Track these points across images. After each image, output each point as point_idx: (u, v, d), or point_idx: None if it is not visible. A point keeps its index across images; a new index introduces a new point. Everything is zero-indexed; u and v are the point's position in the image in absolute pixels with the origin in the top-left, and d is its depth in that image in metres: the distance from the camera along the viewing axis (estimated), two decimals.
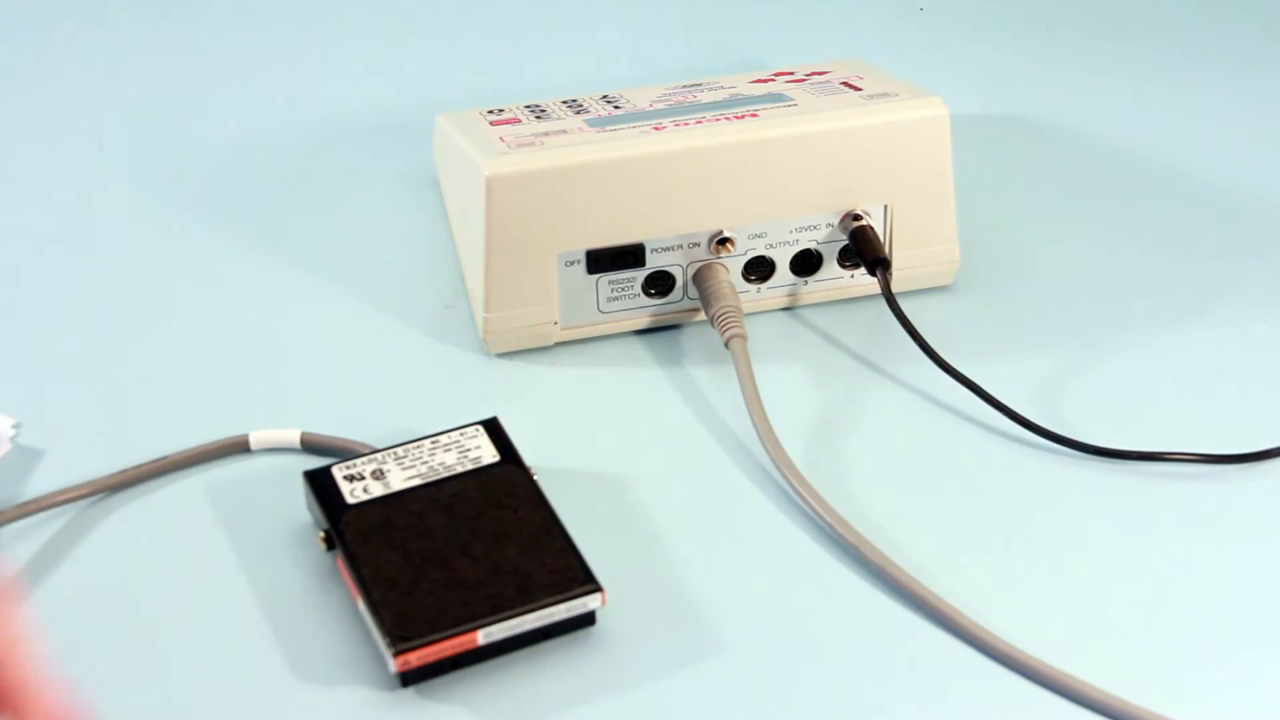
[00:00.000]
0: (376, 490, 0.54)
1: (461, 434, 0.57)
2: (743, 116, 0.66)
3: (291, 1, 1.06)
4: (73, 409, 0.63)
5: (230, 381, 0.65)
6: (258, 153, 0.85)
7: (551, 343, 0.67)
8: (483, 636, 0.49)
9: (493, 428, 0.57)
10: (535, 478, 0.55)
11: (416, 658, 0.48)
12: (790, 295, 0.69)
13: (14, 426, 0.60)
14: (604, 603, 0.50)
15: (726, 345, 0.64)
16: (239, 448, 0.60)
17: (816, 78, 0.73)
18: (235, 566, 0.55)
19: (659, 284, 0.67)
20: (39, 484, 0.58)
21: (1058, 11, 1.03)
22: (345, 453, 0.59)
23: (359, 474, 0.55)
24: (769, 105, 0.68)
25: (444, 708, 0.49)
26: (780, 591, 0.53)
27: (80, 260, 0.73)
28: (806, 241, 0.67)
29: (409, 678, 0.49)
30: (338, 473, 0.55)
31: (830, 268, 0.69)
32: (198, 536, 0.56)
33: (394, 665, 0.48)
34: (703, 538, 0.56)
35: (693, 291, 0.67)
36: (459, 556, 0.51)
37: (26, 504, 0.56)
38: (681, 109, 0.69)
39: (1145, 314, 0.69)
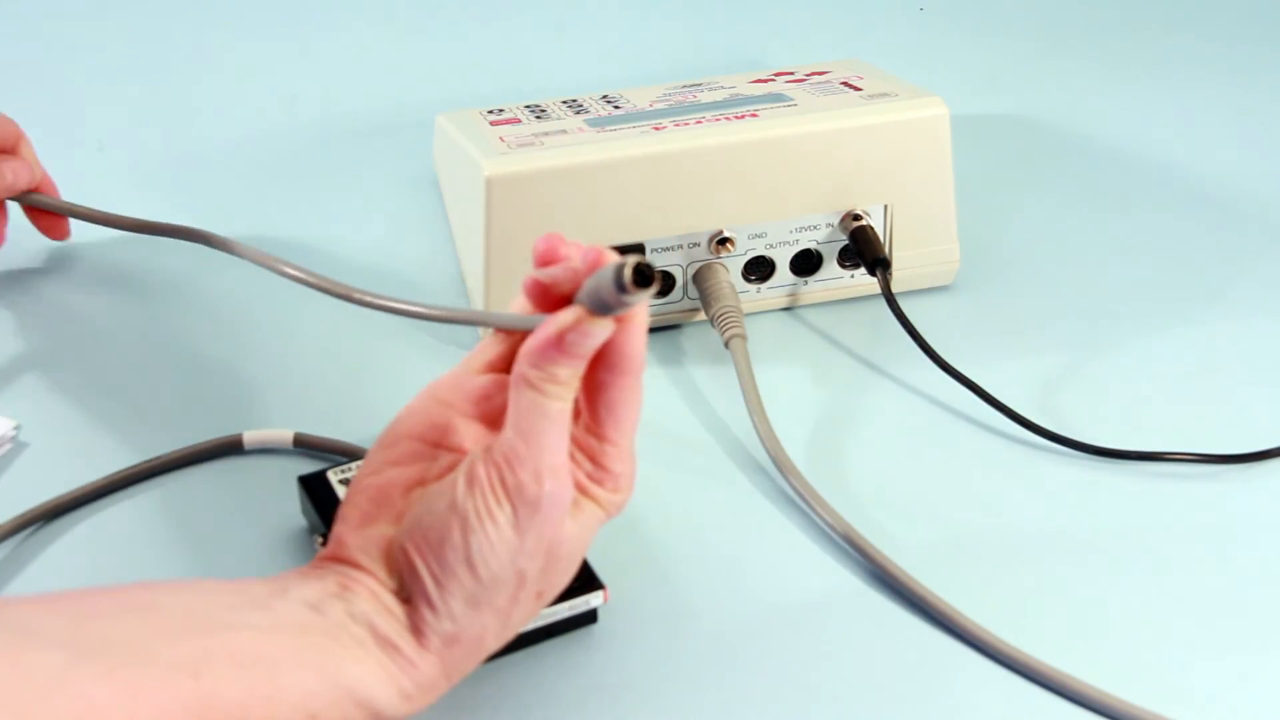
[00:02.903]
0: None
1: None
2: (743, 116, 0.66)
3: (292, 1, 1.06)
4: (72, 409, 0.63)
5: (227, 381, 0.65)
6: (258, 153, 0.85)
7: None
8: None
9: None
10: None
11: None
12: (790, 295, 0.69)
13: (14, 428, 0.60)
14: (606, 600, 0.50)
15: (726, 345, 0.64)
16: (233, 447, 0.60)
17: (816, 78, 0.73)
18: (232, 567, 0.54)
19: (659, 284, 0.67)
20: (38, 484, 0.58)
21: (1057, 11, 1.03)
22: (338, 453, 0.59)
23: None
24: (769, 105, 0.68)
25: (447, 709, 0.48)
26: (779, 591, 0.53)
27: (79, 259, 0.73)
28: (806, 241, 0.67)
29: None
30: (333, 476, 0.55)
31: (830, 268, 0.69)
32: (193, 536, 0.56)
33: None
34: (703, 538, 0.56)
35: (693, 291, 0.67)
36: None
37: (23, 515, 0.56)
38: (681, 109, 0.69)
39: (1145, 314, 0.69)
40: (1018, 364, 0.65)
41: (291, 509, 0.56)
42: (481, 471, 0.41)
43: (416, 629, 0.41)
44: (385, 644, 0.41)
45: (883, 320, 0.66)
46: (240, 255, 0.64)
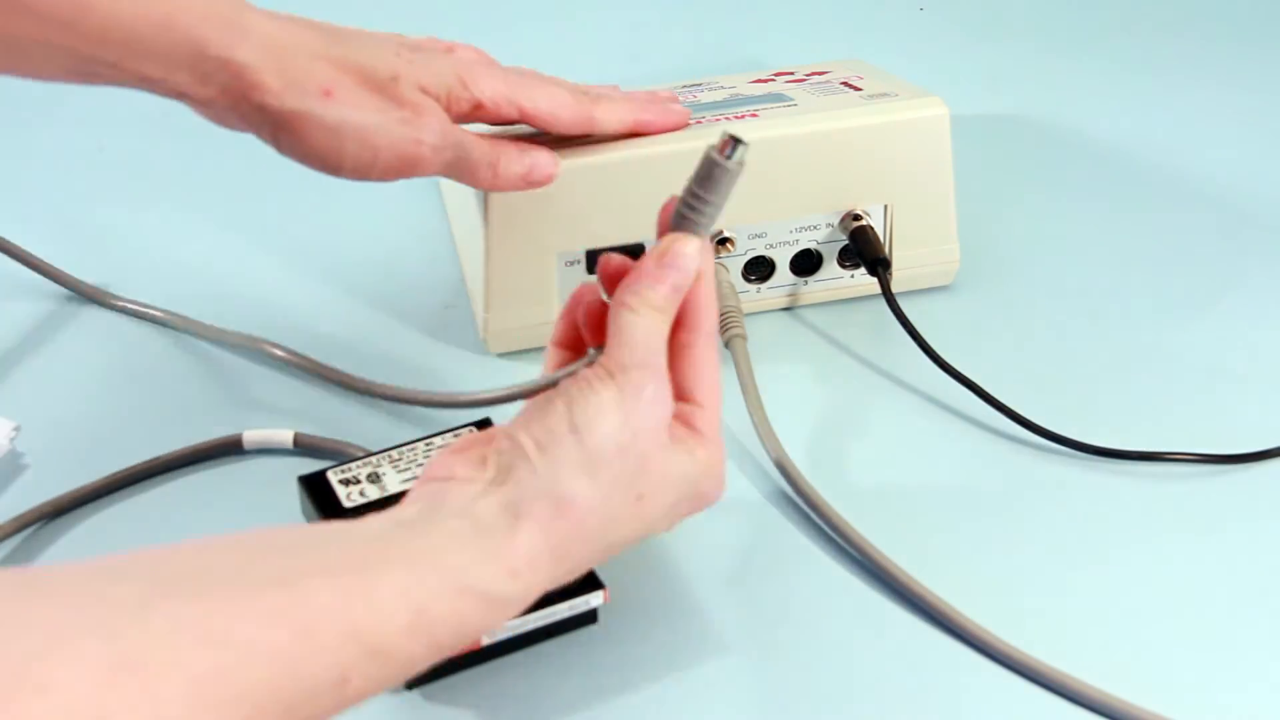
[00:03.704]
0: (373, 494, 0.54)
1: (455, 435, 0.57)
2: (743, 116, 0.66)
3: (291, 3, 1.06)
4: (72, 410, 0.63)
5: (228, 381, 0.65)
6: (258, 153, 0.85)
7: None
8: (486, 637, 0.49)
9: (486, 428, 0.57)
10: None
11: None
12: (790, 295, 0.69)
13: (14, 429, 0.60)
14: (606, 600, 0.50)
15: (726, 345, 0.64)
16: (232, 447, 0.60)
17: (816, 78, 0.73)
18: None
19: None
20: (37, 486, 0.58)
21: (1057, 11, 1.03)
22: (338, 454, 0.59)
23: (354, 478, 0.54)
24: (769, 105, 0.68)
25: (448, 710, 0.49)
26: (780, 591, 0.53)
27: (79, 260, 0.73)
28: (806, 241, 0.67)
29: (413, 680, 0.49)
30: (333, 477, 0.55)
31: (830, 268, 0.69)
32: (193, 536, 0.56)
33: None
34: (703, 538, 0.56)
35: None
36: None
37: (23, 515, 0.56)
38: None
39: (1145, 314, 0.69)
40: (1018, 364, 0.65)
41: (291, 509, 0.56)
42: (585, 370, 0.44)
43: (514, 503, 0.41)
44: (480, 526, 0.40)
45: (883, 320, 0.66)
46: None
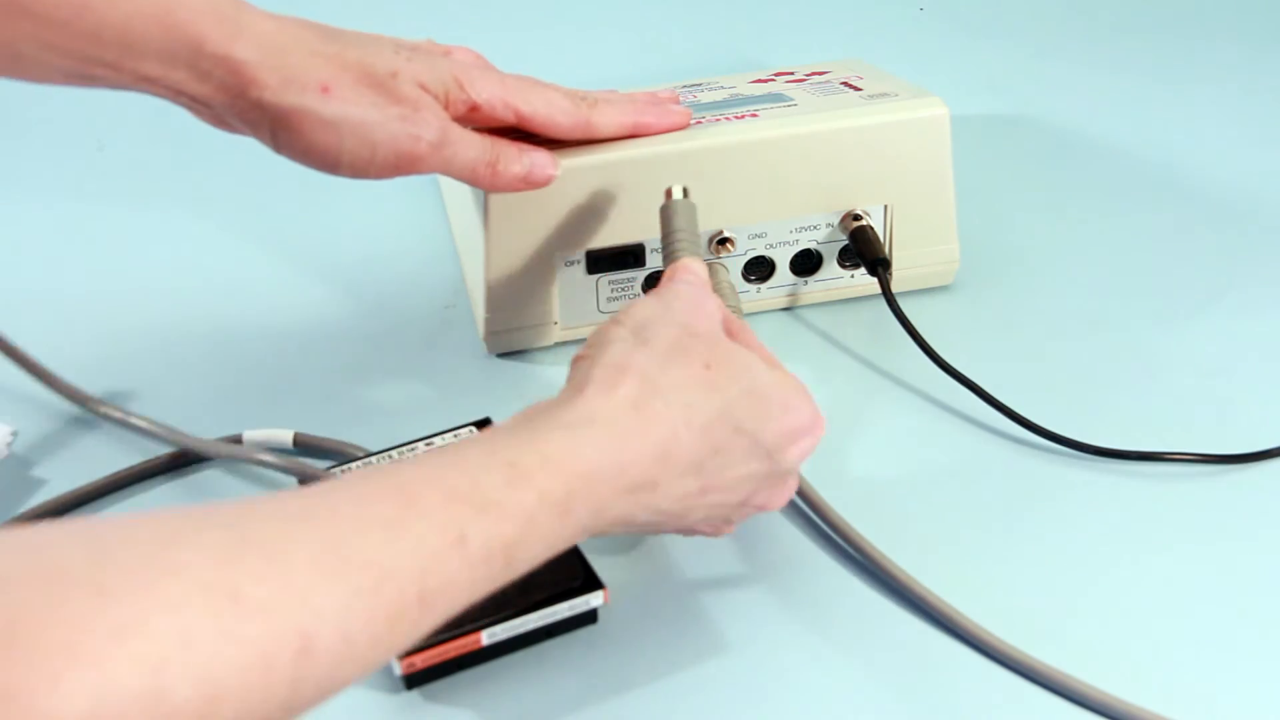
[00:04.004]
0: None
1: (455, 435, 0.57)
2: (743, 116, 0.66)
3: (291, 2, 1.06)
4: (70, 410, 0.63)
5: (228, 380, 0.65)
6: (257, 153, 0.85)
7: (551, 343, 0.67)
8: (486, 637, 0.49)
9: (486, 428, 0.57)
10: None
11: (421, 660, 0.48)
12: (790, 295, 0.69)
13: (12, 434, 0.60)
14: (606, 600, 0.50)
15: None
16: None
17: (816, 78, 0.73)
18: None
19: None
20: (36, 488, 0.58)
21: (1057, 11, 1.03)
22: (338, 454, 0.59)
23: None
24: (769, 105, 0.68)
25: (448, 710, 0.49)
26: (779, 590, 0.53)
27: (79, 260, 0.73)
28: (806, 241, 0.67)
29: (413, 680, 0.49)
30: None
31: (830, 268, 0.69)
32: None
33: (399, 668, 0.48)
34: (702, 538, 0.56)
35: None
36: None
37: (24, 514, 0.56)
38: None
39: (1145, 314, 0.69)
40: (1018, 364, 0.65)
41: None
42: None
43: (577, 384, 0.45)
44: (546, 404, 0.44)
45: (883, 320, 0.66)
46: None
